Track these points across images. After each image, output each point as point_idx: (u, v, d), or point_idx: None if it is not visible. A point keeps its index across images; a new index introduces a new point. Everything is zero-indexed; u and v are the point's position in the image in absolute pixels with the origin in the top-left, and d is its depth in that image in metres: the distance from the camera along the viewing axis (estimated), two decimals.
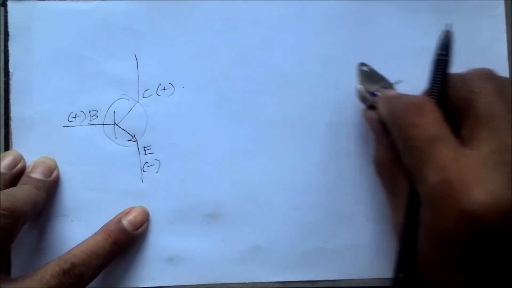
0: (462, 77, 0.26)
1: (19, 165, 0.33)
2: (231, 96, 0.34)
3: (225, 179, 0.34)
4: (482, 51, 0.34)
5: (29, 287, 0.28)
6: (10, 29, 0.34)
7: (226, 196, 0.34)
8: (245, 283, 0.34)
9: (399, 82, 0.31)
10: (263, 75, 0.34)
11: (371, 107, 0.30)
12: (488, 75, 0.26)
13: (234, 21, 0.34)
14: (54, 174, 0.33)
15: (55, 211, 0.34)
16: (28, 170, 0.33)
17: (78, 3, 0.34)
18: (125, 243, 0.32)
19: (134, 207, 0.34)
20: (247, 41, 0.34)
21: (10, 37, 0.34)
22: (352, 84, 0.32)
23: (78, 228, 0.34)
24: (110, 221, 0.33)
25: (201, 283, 0.34)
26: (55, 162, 0.34)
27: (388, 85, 0.31)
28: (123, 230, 0.32)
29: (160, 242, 0.34)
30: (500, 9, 0.34)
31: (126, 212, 0.33)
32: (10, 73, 0.34)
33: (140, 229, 0.33)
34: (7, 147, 0.34)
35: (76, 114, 0.34)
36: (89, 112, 0.34)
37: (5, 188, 0.32)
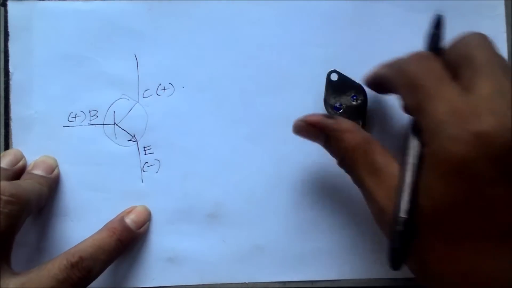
0: (460, 37, 0.27)
1: (20, 163, 0.33)
2: (231, 96, 0.34)
3: (225, 179, 0.34)
4: None
5: (35, 280, 0.27)
6: (10, 29, 0.34)
7: (226, 196, 0.34)
8: (245, 283, 0.34)
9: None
10: (263, 75, 0.34)
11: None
12: (481, 35, 0.27)
13: (234, 21, 0.34)
14: (55, 172, 0.33)
15: (55, 211, 0.34)
16: (29, 168, 0.33)
17: (78, 3, 0.34)
18: (129, 241, 0.32)
19: (136, 206, 0.34)
20: (247, 41, 0.34)
21: (10, 37, 0.34)
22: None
23: (78, 228, 0.34)
24: (113, 219, 0.33)
25: (201, 283, 0.34)
26: (55, 160, 0.34)
27: (360, 91, 0.32)
28: (127, 228, 0.32)
29: (160, 242, 0.34)
30: (500, 9, 0.34)
31: (128, 211, 0.33)
32: (10, 73, 0.34)
33: (142, 228, 0.33)
34: (7, 147, 0.34)
35: (76, 114, 0.34)
36: (89, 112, 0.34)
37: None
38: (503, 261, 0.23)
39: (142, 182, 0.34)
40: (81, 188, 0.34)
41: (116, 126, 0.34)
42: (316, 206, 0.34)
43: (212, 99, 0.34)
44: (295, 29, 0.34)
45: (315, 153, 0.33)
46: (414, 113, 0.26)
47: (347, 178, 0.29)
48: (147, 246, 0.34)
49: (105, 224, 0.32)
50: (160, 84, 0.34)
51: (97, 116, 0.34)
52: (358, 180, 0.28)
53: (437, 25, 0.29)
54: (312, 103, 0.34)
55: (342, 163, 0.29)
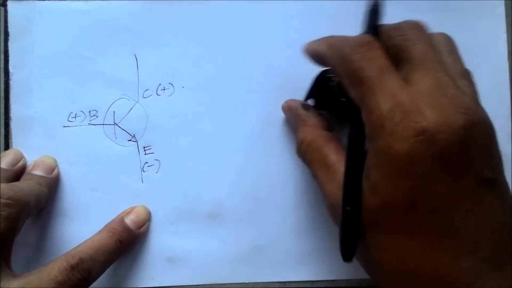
0: (395, 26, 0.27)
1: (20, 163, 0.33)
2: (231, 96, 0.34)
3: (225, 179, 0.34)
4: (482, 51, 0.34)
5: (36, 283, 0.28)
6: (10, 29, 0.34)
7: (226, 196, 0.34)
8: (245, 283, 0.34)
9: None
10: (263, 75, 0.34)
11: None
12: (418, 26, 0.27)
13: (234, 21, 0.34)
14: (55, 172, 0.33)
15: (55, 211, 0.34)
16: (29, 168, 0.33)
17: (78, 3, 0.34)
18: (129, 242, 0.32)
19: (135, 207, 0.34)
20: (247, 41, 0.34)
21: (10, 37, 0.34)
22: None
23: (78, 228, 0.34)
24: (113, 220, 0.33)
25: (201, 283, 0.34)
26: (55, 160, 0.34)
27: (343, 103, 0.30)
28: (126, 229, 0.32)
29: (160, 242, 0.34)
30: (500, 9, 0.34)
31: (128, 212, 0.33)
32: (10, 73, 0.34)
33: (142, 228, 0.33)
34: (7, 147, 0.34)
35: (76, 114, 0.34)
36: (89, 112, 0.34)
37: None
38: (450, 256, 0.23)
39: (142, 182, 0.34)
40: (81, 188, 0.34)
41: (116, 126, 0.34)
42: (316, 206, 0.34)
43: (212, 99, 0.34)
44: (295, 29, 0.34)
45: None
46: (357, 103, 0.26)
47: None
48: (147, 246, 0.34)
49: (105, 224, 0.32)
50: (160, 84, 0.34)
51: (97, 116, 0.34)
52: (312, 174, 0.29)
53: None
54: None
55: (297, 152, 0.31)
